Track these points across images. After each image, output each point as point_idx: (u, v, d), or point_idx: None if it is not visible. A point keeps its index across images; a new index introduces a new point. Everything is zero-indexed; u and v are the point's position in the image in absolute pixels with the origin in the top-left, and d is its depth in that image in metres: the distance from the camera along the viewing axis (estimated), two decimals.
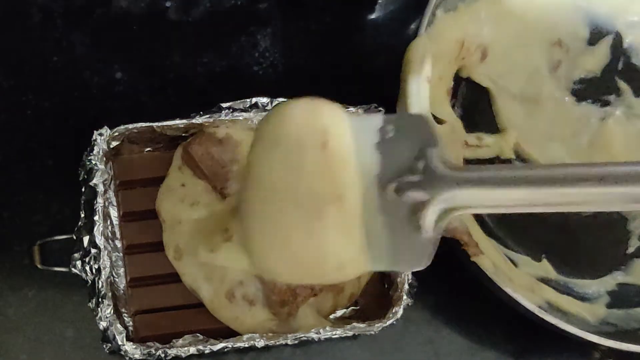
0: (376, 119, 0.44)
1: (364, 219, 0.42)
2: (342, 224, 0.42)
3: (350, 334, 0.57)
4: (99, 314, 0.55)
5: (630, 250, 0.66)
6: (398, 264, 0.46)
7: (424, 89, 0.60)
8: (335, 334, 0.57)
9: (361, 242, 0.42)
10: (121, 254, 0.59)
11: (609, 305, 0.63)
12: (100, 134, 0.58)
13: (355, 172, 0.42)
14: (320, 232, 0.42)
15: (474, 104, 0.67)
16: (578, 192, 0.39)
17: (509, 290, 0.56)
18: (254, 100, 0.60)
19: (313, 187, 0.42)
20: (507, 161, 0.66)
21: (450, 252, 0.58)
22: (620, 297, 0.64)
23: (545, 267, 0.64)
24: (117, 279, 0.59)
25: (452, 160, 0.42)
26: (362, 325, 0.57)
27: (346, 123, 0.43)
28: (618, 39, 0.70)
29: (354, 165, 0.42)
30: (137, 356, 0.55)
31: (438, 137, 0.42)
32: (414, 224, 0.42)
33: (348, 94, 0.62)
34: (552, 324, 0.56)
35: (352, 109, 0.61)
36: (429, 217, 0.41)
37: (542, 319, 0.56)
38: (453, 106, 0.66)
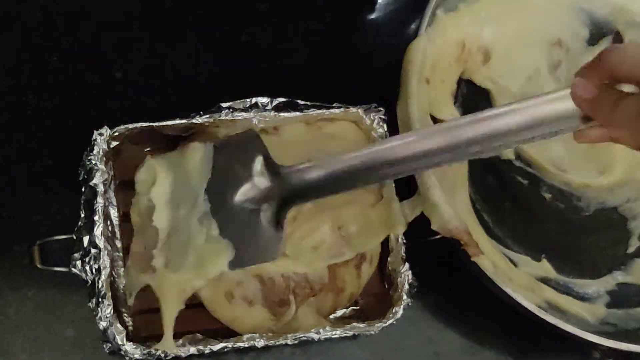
0: (207, 147, 0.53)
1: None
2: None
3: (350, 333, 0.57)
4: (99, 314, 0.55)
5: (630, 250, 0.66)
6: (253, 259, 0.53)
7: (423, 90, 0.60)
8: (335, 334, 0.57)
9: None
10: (121, 254, 0.59)
11: (609, 305, 0.63)
12: (100, 134, 0.58)
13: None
14: None
15: (474, 104, 0.67)
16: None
17: (508, 290, 0.56)
18: (254, 100, 0.60)
19: None
20: (508, 161, 0.66)
21: (450, 252, 0.58)
22: (620, 297, 0.64)
23: (545, 267, 0.64)
24: (117, 279, 0.58)
25: (277, 165, 0.51)
26: (362, 325, 0.57)
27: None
28: (618, 39, 0.70)
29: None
30: (137, 356, 0.55)
31: (263, 146, 0.51)
32: (254, 224, 0.51)
33: (348, 94, 0.62)
34: (551, 324, 0.56)
35: (352, 109, 0.61)
36: (264, 217, 0.51)
37: (542, 319, 0.56)
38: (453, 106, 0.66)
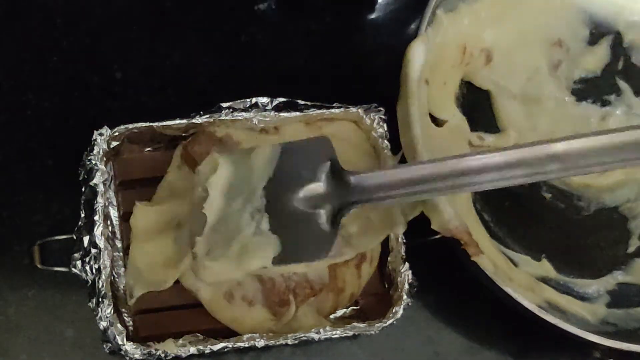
0: (274, 149, 0.53)
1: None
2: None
3: (350, 333, 0.57)
4: (99, 314, 0.55)
5: (631, 249, 0.66)
6: (300, 257, 0.53)
7: (423, 90, 0.60)
8: (335, 334, 0.57)
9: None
10: (121, 254, 0.59)
11: (609, 305, 0.63)
12: (101, 134, 0.58)
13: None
14: None
15: (474, 104, 0.67)
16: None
17: (509, 290, 0.56)
18: (254, 100, 0.60)
19: None
20: None
21: (450, 252, 0.58)
22: (620, 297, 0.64)
23: (545, 267, 0.64)
24: (117, 279, 0.59)
25: (344, 172, 0.51)
26: (362, 325, 0.57)
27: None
28: (618, 39, 0.70)
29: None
30: (137, 356, 0.55)
31: (333, 151, 0.52)
32: (308, 224, 0.51)
33: (348, 94, 0.62)
34: (552, 324, 0.56)
35: (353, 109, 0.61)
36: (321, 218, 0.51)
37: (542, 319, 0.56)
38: None
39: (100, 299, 0.55)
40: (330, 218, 0.51)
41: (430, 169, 0.50)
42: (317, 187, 0.51)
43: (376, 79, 0.66)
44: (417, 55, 0.59)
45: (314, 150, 0.52)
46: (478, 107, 0.67)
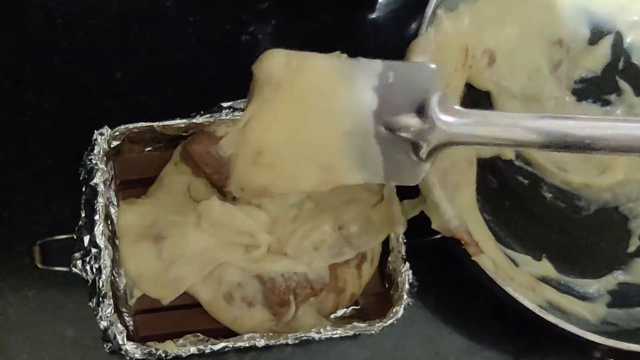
0: (376, 65, 0.48)
1: (355, 142, 0.49)
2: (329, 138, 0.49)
3: (350, 333, 0.57)
4: (100, 314, 0.55)
5: (631, 249, 0.66)
6: (392, 179, 0.51)
7: None
8: (336, 334, 0.57)
9: (349, 152, 0.49)
10: None
11: (610, 305, 0.63)
12: (101, 134, 0.58)
13: (346, 106, 0.48)
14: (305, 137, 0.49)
15: (474, 103, 0.67)
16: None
17: (509, 289, 0.56)
18: None
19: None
20: (508, 161, 0.66)
21: (451, 252, 0.58)
22: (620, 297, 0.64)
23: (546, 267, 0.64)
24: (117, 279, 0.59)
25: (449, 105, 0.48)
26: (362, 324, 0.57)
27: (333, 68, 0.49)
28: (619, 39, 0.70)
29: (344, 104, 0.48)
30: (137, 356, 0.55)
31: (438, 85, 0.48)
32: (407, 153, 0.49)
33: None
34: (552, 324, 0.56)
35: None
36: (422, 152, 0.48)
37: (543, 319, 0.56)
38: None
39: (100, 299, 0.55)
40: (427, 152, 0.48)
41: (548, 125, 0.47)
42: (417, 121, 0.48)
43: None
44: (418, 55, 0.59)
45: (418, 78, 0.48)
46: (478, 107, 0.67)
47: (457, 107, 0.49)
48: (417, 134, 0.48)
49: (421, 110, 0.48)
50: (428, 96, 0.48)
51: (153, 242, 0.57)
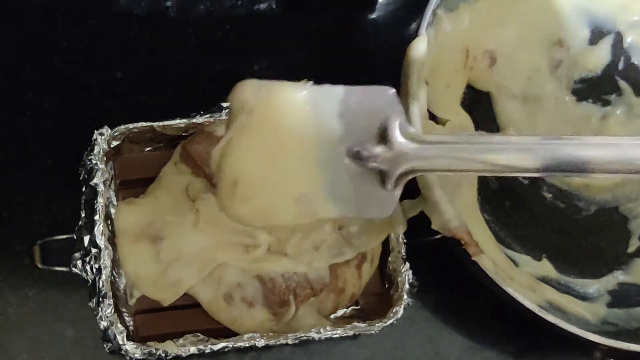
0: (338, 91, 0.48)
1: (326, 173, 0.48)
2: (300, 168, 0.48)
3: (350, 333, 0.57)
4: (100, 314, 0.55)
5: (631, 249, 0.66)
6: (363, 212, 0.50)
7: (423, 90, 0.60)
8: (336, 334, 0.57)
9: (321, 184, 0.48)
10: None
11: (610, 305, 0.63)
12: (101, 134, 0.58)
13: (314, 135, 0.48)
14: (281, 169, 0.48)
15: (474, 102, 0.67)
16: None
17: (509, 289, 0.56)
18: None
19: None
20: None
21: (451, 251, 0.58)
22: (620, 297, 0.64)
23: (546, 267, 0.64)
24: (117, 279, 0.59)
25: (412, 131, 0.47)
26: (362, 324, 0.57)
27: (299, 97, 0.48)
28: (618, 39, 0.70)
29: (311, 132, 0.48)
30: (137, 356, 0.55)
31: (401, 109, 0.47)
32: (376, 184, 0.48)
33: None
34: (552, 324, 0.56)
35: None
36: (390, 181, 0.47)
37: (543, 319, 0.56)
38: None
39: (100, 299, 0.55)
40: (394, 181, 0.47)
41: (522, 149, 0.45)
42: (381, 149, 0.46)
43: (376, 79, 0.66)
44: (417, 55, 0.59)
45: (379, 102, 0.47)
46: (478, 106, 0.67)
47: (417, 132, 0.48)
48: (382, 162, 0.47)
49: (384, 137, 0.46)
50: (389, 122, 0.46)
51: (150, 242, 0.57)
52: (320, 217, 0.49)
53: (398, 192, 0.48)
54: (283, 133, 0.48)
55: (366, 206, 0.49)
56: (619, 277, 0.65)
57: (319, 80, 0.67)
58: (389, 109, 0.47)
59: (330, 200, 0.48)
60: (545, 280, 0.64)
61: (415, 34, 0.60)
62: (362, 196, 0.48)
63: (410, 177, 0.47)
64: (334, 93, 0.48)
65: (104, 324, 0.55)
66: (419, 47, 0.58)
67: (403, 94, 0.59)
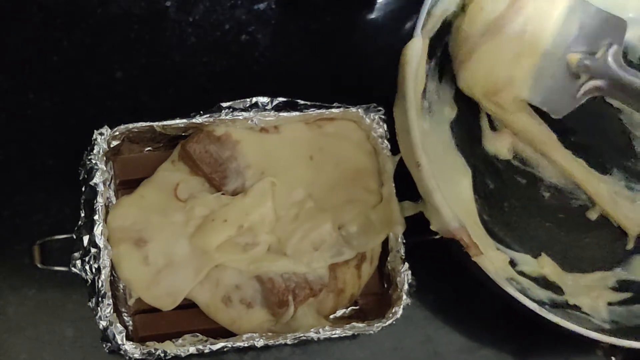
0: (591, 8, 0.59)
1: (543, 62, 0.60)
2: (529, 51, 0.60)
3: (349, 333, 0.57)
4: (99, 313, 0.55)
5: (630, 246, 0.66)
6: (546, 104, 0.61)
7: (419, 92, 0.60)
8: (335, 334, 0.57)
9: (533, 70, 0.60)
10: None
11: (610, 302, 0.63)
12: (101, 134, 0.58)
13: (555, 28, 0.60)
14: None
15: (473, 102, 0.67)
16: None
17: (509, 289, 0.56)
18: (254, 99, 0.60)
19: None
20: (506, 161, 0.66)
21: (450, 252, 0.58)
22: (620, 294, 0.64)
23: (545, 265, 0.64)
24: (117, 279, 0.59)
25: (621, 61, 0.57)
26: (361, 325, 0.57)
27: None
28: None
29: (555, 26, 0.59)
30: (136, 355, 0.55)
31: (623, 39, 0.58)
32: (568, 88, 0.59)
33: (348, 94, 0.62)
34: (553, 323, 0.56)
35: (352, 108, 0.61)
36: (584, 89, 0.59)
37: (542, 317, 0.56)
38: None
39: (100, 299, 0.55)
40: (583, 90, 0.59)
41: None
42: (592, 60, 0.58)
43: (376, 79, 0.66)
44: (413, 56, 0.59)
45: (609, 26, 0.59)
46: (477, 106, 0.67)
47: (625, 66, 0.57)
48: (588, 70, 0.58)
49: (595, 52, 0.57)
50: (612, 46, 0.57)
51: (134, 245, 0.57)
52: (512, 93, 0.61)
53: (581, 101, 0.59)
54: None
55: (552, 99, 0.60)
56: (618, 274, 0.65)
57: (319, 79, 0.68)
58: (617, 36, 0.58)
59: (530, 83, 0.60)
60: (545, 279, 0.63)
61: (410, 35, 0.60)
62: (553, 91, 0.59)
63: (599, 94, 0.59)
64: (588, 8, 0.59)
65: (103, 323, 0.55)
66: (414, 48, 0.58)
67: (400, 95, 0.58)
